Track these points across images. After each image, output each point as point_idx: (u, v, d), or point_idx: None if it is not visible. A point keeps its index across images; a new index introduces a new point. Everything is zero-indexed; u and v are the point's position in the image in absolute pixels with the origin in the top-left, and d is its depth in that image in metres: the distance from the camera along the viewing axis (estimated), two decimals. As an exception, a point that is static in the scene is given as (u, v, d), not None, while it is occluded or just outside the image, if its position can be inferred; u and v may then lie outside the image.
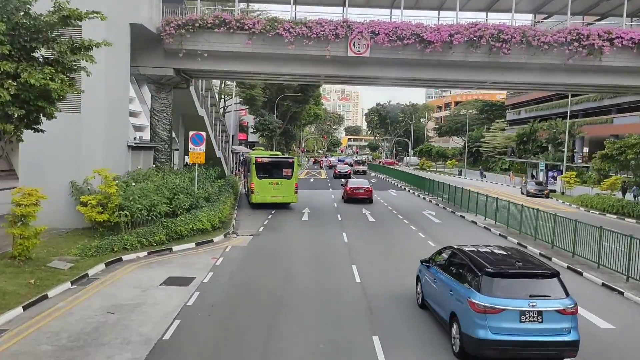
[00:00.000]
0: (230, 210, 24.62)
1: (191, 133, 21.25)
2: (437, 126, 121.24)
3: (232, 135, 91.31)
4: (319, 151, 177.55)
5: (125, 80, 20.98)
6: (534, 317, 8.36)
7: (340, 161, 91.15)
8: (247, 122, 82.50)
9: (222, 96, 65.08)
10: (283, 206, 29.69)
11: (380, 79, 26.78)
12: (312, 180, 56.57)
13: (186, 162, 43.98)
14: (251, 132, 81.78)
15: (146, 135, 33.82)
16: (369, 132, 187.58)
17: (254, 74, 27.80)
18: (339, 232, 21.94)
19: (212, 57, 23.49)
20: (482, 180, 63.88)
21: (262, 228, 22.62)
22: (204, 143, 20.88)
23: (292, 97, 77.38)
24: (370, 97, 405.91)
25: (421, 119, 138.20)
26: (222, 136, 42.82)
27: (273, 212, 28.07)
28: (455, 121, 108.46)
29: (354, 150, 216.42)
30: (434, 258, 11.34)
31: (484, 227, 24.87)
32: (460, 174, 76.32)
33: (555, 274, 8.89)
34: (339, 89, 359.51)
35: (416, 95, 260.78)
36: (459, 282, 9.44)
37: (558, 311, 8.43)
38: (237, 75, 30.10)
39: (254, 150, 65.77)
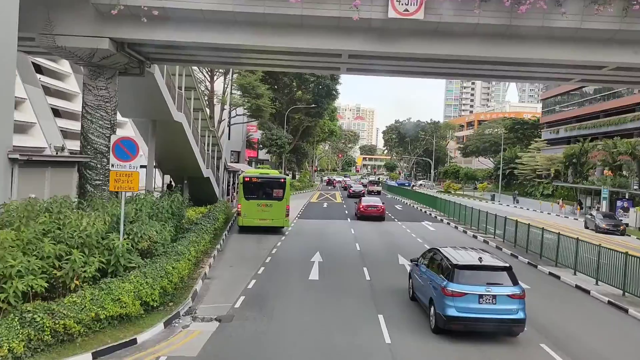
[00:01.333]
0: (195, 263, 15.68)
1: (114, 138, 12.11)
2: (461, 146, 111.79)
3: (239, 152, 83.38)
4: (334, 170, 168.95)
5: (9, 55, 12.37)
6: (489, 299, 10.96)
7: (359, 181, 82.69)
8: (258, 139, 74.08)
9: (223, 107, 56.80)
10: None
11: (435, 63, 17.83)
12: (325, 205, 47.58)
13: (170, 182, 35.51)
14: (261, 149, 73.38)
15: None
16: (385, 152, 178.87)
17: (239, 53, 18.59)
18: (371, 313, 12.80)
19: (170, 20, 14.84)
20: (520, 207, 54.42)
21: (241, 299, 13.59)
22: (138, 156, 11.90)
23: (304, 110, 68.90)
24: (385, 115, 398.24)
25: (441, 139, 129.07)
26: (212, 151, 34.14)
27: (268, 260, 19.15)
28: (483, 140, 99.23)
29: (370, 169, 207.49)
30: (421, 257, 13.95)
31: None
32: (493, 199, 66.98)
33: (507, 268, 11.54)
34: (353, 107, 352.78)
35: (434, 114, 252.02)
36: (436, 274, 12.07)
37: (508, 295, 11.03)
38: (212, 58, 20.12)
39: (259, 167, 57.18)
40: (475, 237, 29.07)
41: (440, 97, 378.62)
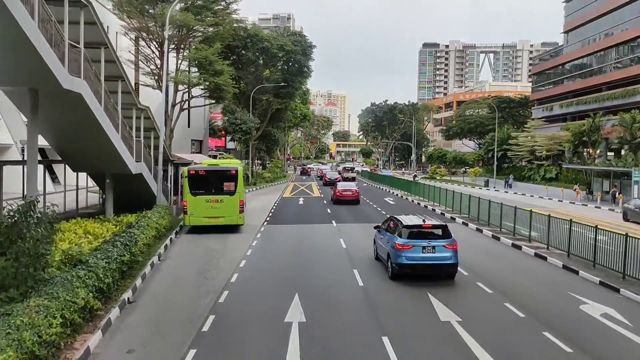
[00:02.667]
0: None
1: None
2: (443, 128, 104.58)
3: (201, 142, 74.09)
4: (307, 158, 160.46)
5: None
6: (430, 249, 14.25)
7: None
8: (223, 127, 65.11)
9: (176, 88, 47.88)
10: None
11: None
12: (301, 201, 39.24)
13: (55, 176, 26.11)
14: (224, 137, 64.44)
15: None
16: (360, 137, 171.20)
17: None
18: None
19: None
20: (521, 194, 47.14)
21: None
22: None
23: (273, 91, 60.11)
24: (358, 101, 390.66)
25: (418, 122, 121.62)
26: (148, 139, 25.41)
27: (207, 324, 10.72)
28: (467, 121, 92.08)
29: (345, 156, 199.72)
30: (382, 224, 17.13)
31: None
32: (487, 184, 59.81)
33: (443, 226, 15.00)
34: (325, 93, 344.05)
35: (408, 98, 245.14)
36: (391, 234, 15.30)
37: (444, 246, 14.32)
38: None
39: (221, 158, 48.58)
40: (497, 238, 21.35)
41: (414, 80, 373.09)
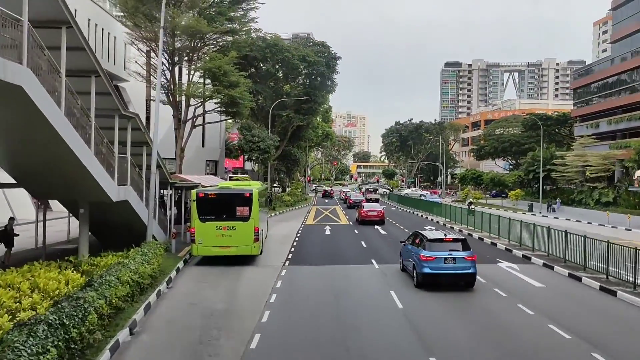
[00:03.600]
0: None
1: None
2: (473, 147, 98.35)
3: (216, 162, 69.18)
4: (327, 180, 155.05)
5: None
6: (451, 260, 15.92)
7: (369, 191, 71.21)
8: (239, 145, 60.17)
9: (188, 103, 43.17)
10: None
11: None
12: (328, 230, 33.54)
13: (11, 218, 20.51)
14: (239, 156, 59.39)
15: None
16: (383, 158, 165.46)
17: None
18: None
19: None
20: (576, 221, 40.79)
21: None
22: None
23: (293, 106, 55.01)
24: (377, 122, 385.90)
25: (443, 142, 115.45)
26: (129, 155, 20.05)
27: None
28: (502, 140, 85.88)
29: (369, 178, 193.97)
30: (407, 239, 18.98)
31: None
32: (530, 209, 53.46)
33: (463, 240, 16.71)
34: (344, 113, 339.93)
35: (430, 118, 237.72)
36: (416, 247, 16.96)
37: (464, 257, 15.97)
38: None
39: (233, 179, 43.43)
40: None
41: (434, 101, 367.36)
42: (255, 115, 54.48)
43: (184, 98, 45.59)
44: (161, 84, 45.37)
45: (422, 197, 66.69)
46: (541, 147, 56.85)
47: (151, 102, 51.45)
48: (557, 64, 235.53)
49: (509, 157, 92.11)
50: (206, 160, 63.87)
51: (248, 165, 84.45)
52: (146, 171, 20.46)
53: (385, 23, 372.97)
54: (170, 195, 26.02)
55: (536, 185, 64.07)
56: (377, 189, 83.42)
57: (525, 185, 64.87)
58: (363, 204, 40.11)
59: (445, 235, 17.05)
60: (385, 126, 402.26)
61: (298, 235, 30.64)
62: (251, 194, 20.96)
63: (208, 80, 43.09)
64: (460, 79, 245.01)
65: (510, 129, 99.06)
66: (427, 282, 15.90)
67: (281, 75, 54.35)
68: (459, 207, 39.96)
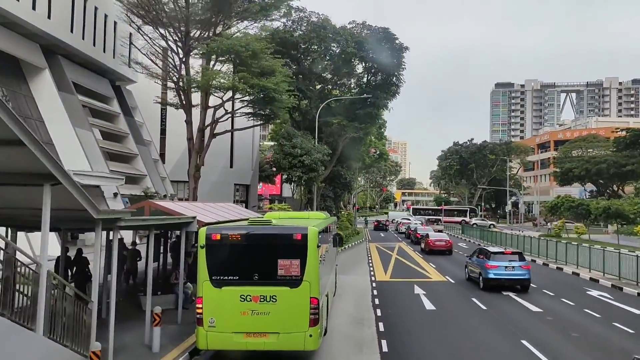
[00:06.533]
0: None
1: None
2: (556, 170, 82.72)
3: (247, 187, 56.42)
4: (371, 208, 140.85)
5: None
6: (510, 268, 20.26)
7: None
8: (272, 159, 47.12)
9: (206, 99, 31.08)
10: None
11: None
12: (423, 298, 19.47)
13: None
14: (271, 174, 46.40)
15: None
16: (433, 184, 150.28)
17: None
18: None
19: None
20: None
21: None
22: None
23: (345, 112, 41.73)
24: (419, 149, 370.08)
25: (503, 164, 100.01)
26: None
27: None
28: (595, 162, 70.32)
29: (424, 205, 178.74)
30: (472, 254, 23.54)
31: None
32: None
33: (519, 253, 21.69)
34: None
35: (479, 140, 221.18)
36: (481, 258, 21.50)
37: (520, 266, 20.40)
38: None
39: (268, 212, 30.48)
40: None
41: (483, 125, 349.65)
42: (297, 124, 41.49)
43: (198, 95, 33.16)
44: (174, 82, 33.40)
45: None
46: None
47: (168, 107, 39.58)
48: (620, 84, 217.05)
49: (600, 182, 76.32)
50: (235, 184, 51.14)
51: (286, 192, 71.51)
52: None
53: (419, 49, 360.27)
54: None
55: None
56: (439, 219, 70.07)
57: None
58: (429, 234, 39.50)
59: (505, 248, 24.72)
60: (429, 152, 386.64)
61: (375, 304, 17.08)
62: (305, 237, 11.00)
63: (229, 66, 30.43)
64: (512, 100, 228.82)
65: (591, 150, 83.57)
66: (491, 285, 20.33)
67: (330, 69, 41.27)
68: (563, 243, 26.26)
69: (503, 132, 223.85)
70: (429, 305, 17.47)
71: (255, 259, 10.99)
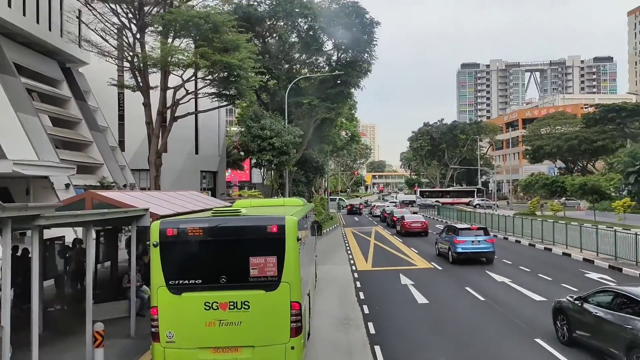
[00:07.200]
0: None
1: None
2: (527, 148, 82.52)
3: (214, 174, 53.82)
4: (342, 192, 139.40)
5: None
6: (476, 242, 21.76)
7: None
8: (239, 144, 44.61)
9: (165, 75, 28.43)
10: None
11: None
12: (411, 288, 17.68)
13: None
14: (239, 159, 44.05)
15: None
16: (403, 166, 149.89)
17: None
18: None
19: None
20: None
21: None
22: None
23: (317, 91, 39.55)
24: (387, 131, 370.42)
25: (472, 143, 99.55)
26: None
27: None
28: (567, 138, 70.19)
29: (395, 189, 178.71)
30: (442, 231, 25.04)
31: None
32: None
33: (484, 228, 22.99)
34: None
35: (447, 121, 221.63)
36: (450, 235, 22.97)
37: (485, 240, 21.86)
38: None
39: (237, 200, 28.78)
40: None
41: (449, 105, 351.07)
42: (265, 106, 39.05)
43: (158, 77, 30.44)
44: (125, 57, 30.62)
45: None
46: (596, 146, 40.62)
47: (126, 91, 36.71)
48: (582, 62, 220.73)
49: (569, 159, 76.46)
50: (201, 172, 48.43)
51: (256, 178, 68.94)
52: None
53: (389, 33, 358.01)
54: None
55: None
56: (414, 201, 69.32)
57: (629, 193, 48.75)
58: (405, 215, 38.91)
59: (471, 224, 27.95)
60: (398, 134, 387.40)
61: (361, 299, 15.25)
62: (282, 228, 8.88)
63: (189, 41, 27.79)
64: (478, 81, 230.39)
65: (559, 127, 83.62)
66: (459, 258, 21.87)
67: (298, 46, 38.84)
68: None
69: (470, 112, 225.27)
70: (420, 299, 15.65)
71: (222, 258, 8.96)
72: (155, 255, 8.74)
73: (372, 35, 39.22)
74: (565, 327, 10.73)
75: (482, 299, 15.45)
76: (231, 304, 8.64)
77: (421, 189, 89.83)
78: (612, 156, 54.06)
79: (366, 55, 39.23)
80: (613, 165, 51.21)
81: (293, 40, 38.58)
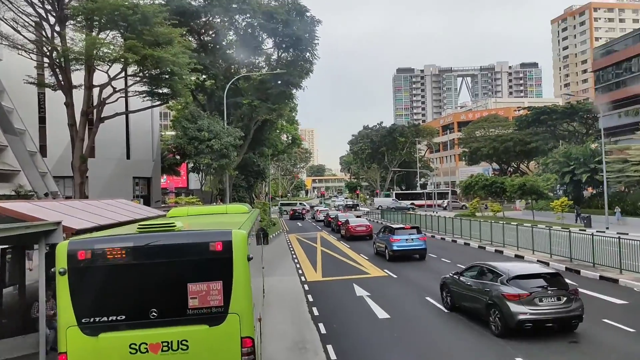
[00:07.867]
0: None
1: None
2: (465, 150, 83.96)
3: (149, 179, 50.52)
4: (283, 196, 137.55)
5: None
6: (410, 241, 23.32)
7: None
8: (174, 148, 41.76)
9: (90, 71, 25.66)
10: None
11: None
12: (370, 302, 16.26)
13: None
14: (175, 164, 41.36)
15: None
16: (343, 170, 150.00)
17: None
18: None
19: None
20: None
21: None
22: None
23: (257, 91, 37.65)
24: (326, 135, 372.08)
25: (412, 146, 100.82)
26: None
27: None
28: (503, 140, 71.80)
29: (339, 192, 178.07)
30: (379, 231, 26.86)
31: None
32: (587, 223, 38.51)
33: (417, 227, 24.67)
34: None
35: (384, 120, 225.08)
36: (387, 234, 24.38)
37: (418, 238, 23.55)
38: None
39: (172, 209, 26.68)
40: None
41: (386, 109, 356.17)
42: (202, 107, 36.69)
43: (82, 75, 27.57)
44: (48, 56, 27.44)
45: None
46: (530, 148, 41.79)
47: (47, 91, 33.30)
48: (510, 67, 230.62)
49: (503, 160, 78.50)
50: (134, 178, 45.15)
51: (194, 184, 65.82)
52: None
53: (328, 38, 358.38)
54: None
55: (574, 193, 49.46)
56: (357, 205, 68.78)
57: (569, 193, 49.92)
58: (350, 219, 38.61)
59: (405, 224, 27.66)
60: (336, 138, 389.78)
61: (315, 316, 13.65)
62: (229, 245, 7.02)
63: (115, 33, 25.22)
64: (414, 85, 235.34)
65: (493, 130, 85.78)
66: (395, 255, 23.19)
67: (237, 45, 36.78)
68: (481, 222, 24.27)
69: (406, 116, 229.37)
70: (380, 313, 14.19)
71: (151, 286, 7.10)
72: (62, 286, 6.74)
73: (314, 33, 37.82)
74: (448, 298, 14.04)
75: (445, 310, 14.19)
76: (165, 344, 6.79)
77: (396, 192, 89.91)
78: (546, 157, 55.27)
79: (308, 54, 37.75)
80: (547, 165, 52.36)
81: (231, 37, 36.49)
